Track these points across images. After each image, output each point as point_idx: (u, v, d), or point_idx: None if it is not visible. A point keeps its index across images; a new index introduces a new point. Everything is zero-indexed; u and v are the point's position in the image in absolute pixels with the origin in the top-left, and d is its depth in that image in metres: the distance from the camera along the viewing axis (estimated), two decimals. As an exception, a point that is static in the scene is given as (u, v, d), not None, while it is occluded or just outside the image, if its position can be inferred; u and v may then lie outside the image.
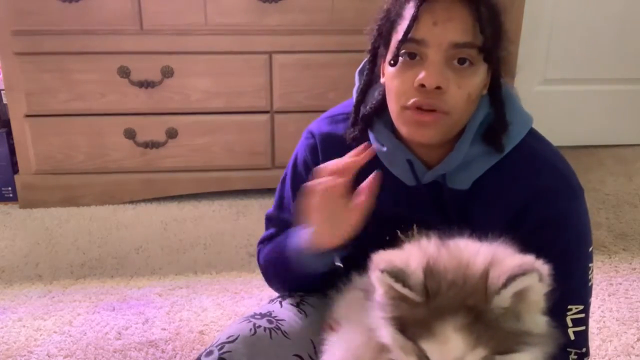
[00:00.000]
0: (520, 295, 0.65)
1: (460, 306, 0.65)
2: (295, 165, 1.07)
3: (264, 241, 1.13)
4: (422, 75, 0.84)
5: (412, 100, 0.86)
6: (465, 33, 0.83)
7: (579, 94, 2.69)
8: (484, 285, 0.66)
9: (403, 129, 0.90)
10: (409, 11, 0.85)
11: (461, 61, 0.85)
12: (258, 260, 1.15)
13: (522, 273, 0.64)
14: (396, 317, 0.69)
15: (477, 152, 0.92)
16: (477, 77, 0.87)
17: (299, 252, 0.95)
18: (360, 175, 0.98)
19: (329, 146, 1.00)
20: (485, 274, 0.66)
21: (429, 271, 0.67)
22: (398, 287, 0.67)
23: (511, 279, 0.64)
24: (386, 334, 0.70)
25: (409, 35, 0.84)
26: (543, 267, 0.66)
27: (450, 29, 0.83)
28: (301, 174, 1.05)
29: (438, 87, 0.84)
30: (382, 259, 0.70)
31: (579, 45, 2.60)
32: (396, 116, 0.91)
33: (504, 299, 0.65)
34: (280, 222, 1.10)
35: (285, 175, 1.10)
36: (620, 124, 2.74)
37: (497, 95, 0.92)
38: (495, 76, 0.90)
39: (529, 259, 0.67)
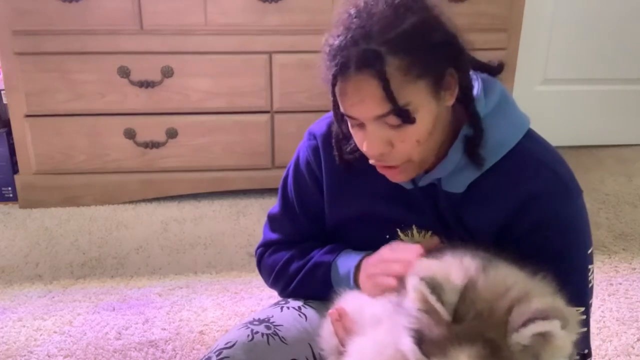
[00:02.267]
0: (542, 338, 0.64)
1: (479, 337, 0.65)
2: (297, 165, 1.07)
3: (267, 245, 1.13)
4: (365, 144, 0.87)
5: (371, 160, 0.91)
6: (380, 106, 0.82)
7: (579, 94, 2.69)
8: (506, 319, 0.65)
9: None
10: (331, 83, 0.85)
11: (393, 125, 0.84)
12: (259, 264, 1.14)
13: (543, 317, 0.63)
14: (417, 330, 0.68)
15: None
16: (419, 123, 0.85)
17: (344, 281, 0.99)
18: (360, 178, 1.00)
19: (330, 147, 1.01)
20: (510, 309, 0.66)
21: (465, 295, 0.67)
22: (432, 299, 0.66)
23: (530, 320, 0.63)
24: (406, 343, 0.70)
25: (341, 110, 0.87)
26: (572, 315, 0.65)
27: (365, 107, 0.83)
28: (303, 175, 1.06)
29: (381, 153, 0.87)
30: (424, 267, 0.69)
31: (579, 45, 2.60)
32: None
33: (522, 338, 0.64)
34: (286, 228, 1.10)
35: (287, 175, 1.10)
36: (620, 124, 2.75)
37: (468, 107, 0.89)
38: (462, 82, 0.87)
39: (558, 305, 0.66)
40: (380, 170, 0.92)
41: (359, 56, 0.80)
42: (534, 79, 2.60)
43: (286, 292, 1.09)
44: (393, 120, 0.84)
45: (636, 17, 2.59)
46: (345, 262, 1.00)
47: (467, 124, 0.91)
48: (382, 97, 0.81)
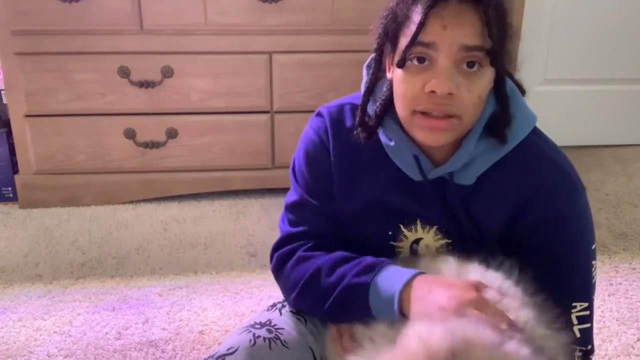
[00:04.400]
0: None
1: None
2: (309, 143, 1.02)
3: (295, 238, 1.00)
4: (432, 82, 0.84)
5: (422, 107, 0.86)
6: (475, 36, 0.83)
7: (579, 94, 2.69)
8: None
9: (414, 133, 0.90)
10: (416, 15, 0.84)
11: (470, 65, 0.84)
12: (283, 267, 1.00)
13: None
14: None
15: (482, 149, 0.93)
16: (486, 79, 0.87)
17: (386, 306, 0.86)
18: (367, 168, 0.99)
19: (338, 133, 1.00)
20: None
21: None
22: None
23: None
24: None
25: (418, 39, 0.84)
26: None
27: (460, 33, 0.83)
28: (317, 152, 1.01)
29: (449, 93, 0.84)
30: None
31: (579, 45, 2.60)
32: (405, 120, 0.90)
33: None
34: (312, 214, 1.00)
35: (295, 159, 1.06)
36: (620, 124, 2.75)
37: (501, 89, 0.92)
38: (499, 71, 0.90)
39: None
40: (424, 123, 0.87)
41: None
42: (534, 79, 2.60)
43: (316, 313, 0.98)
44: (475, 59, 0.84)
45: (636, 17, 2.59)
46: (389, 283, 0.87)
47: (493, 109, 0.93)
48: (479, 30, 0.83)
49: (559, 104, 2.67)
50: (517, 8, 2.24)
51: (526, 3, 2.28)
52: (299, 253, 0.98)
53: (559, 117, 2.65)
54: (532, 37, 2.51)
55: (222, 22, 2.08)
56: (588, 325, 0.95)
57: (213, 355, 0.91)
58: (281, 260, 1.00)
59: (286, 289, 1.00)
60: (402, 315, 0.84)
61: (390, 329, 0.82)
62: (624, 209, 2.20)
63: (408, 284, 0.84)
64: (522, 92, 0.99)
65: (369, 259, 0.92)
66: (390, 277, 0.87)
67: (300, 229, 1.00)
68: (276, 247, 1.02)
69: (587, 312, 0.94)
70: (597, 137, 2.75)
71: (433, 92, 0.84)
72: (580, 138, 2.71)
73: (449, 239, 0.98)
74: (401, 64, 0.86)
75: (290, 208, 1.03)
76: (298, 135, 1.07)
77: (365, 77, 0.99)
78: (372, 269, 0.89)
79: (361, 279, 0.89)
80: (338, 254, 0.96)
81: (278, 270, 1.01)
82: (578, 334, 0.93)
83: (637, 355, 1.45)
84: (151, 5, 2.04)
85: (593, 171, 2.49)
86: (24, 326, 1.56)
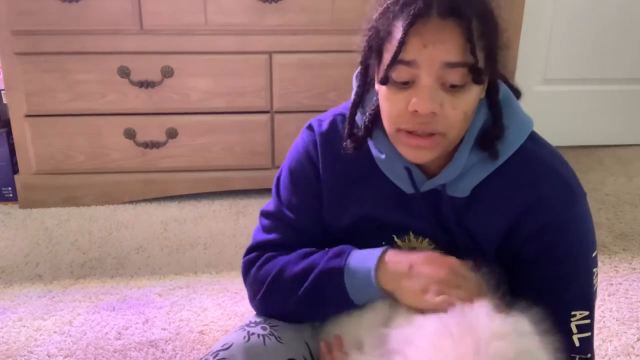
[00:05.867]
0: None
1: None
2: (296, 156, 1.03)
3: (264, 246, 1.03)
4: (414, 101, 0.81)
5: (406, 126, 0.84)
6: (457, 52, 0.80)
7: (579, 94, 2.69)
8: None
9: (399, 149, 0.89)
10: (397, 32, 0.82)
11: (453, 86, 0.82)
12: (249, 270, 1.03)
13: None
14: None
15: (475, 160, 0.90)
16: (473, 94, 0.84)
17: (364, 285, 0.90)
18: (359, 182, 0.98)
19: (327, 148, 0.99)
20: None
21: None
22: None
23: None
24: None
25: (399, 57, 0.81)
26: None
27: (441, 50, 0.80)
28: (303, 166, 1.02)
29: (432, 113, 0.82)
30: None
31: (579, 45, 2.60)
32: (391, 136, 0.89)
33: None
34: (285, 226, 1.02)
35: (281, 170, 1.06)
36: (620, 124, 2.75)
37: (494, 99, 0.90)
38: (492, 79, 0.88)
39: None
40: (408, 141, 0.85)
41: (446, 3, 0.79)
42: (533, 79, 2.60)
43: (286, 308, 0.98)
44: (458, 75, 0.81)
45: (636, 17, 2.59)
46: (362, 262, 0.91)
47: (486, 118, 0.90)
48: (462, 46, 0.80)
49: (559, 104, 2.67)
50: (517, 8, 2.24)
51: (526, 3, 2.28)
52: (266, 255, 1.01)
53: (559, 117, 2.65)
54: (532, 37, 2.51)
55: (222, 22, 2.08)
56: (588, 334, 0.93)
57: (209, 353, 0.92)
58: (249, 265, 1.03)
59: (253, 290, 1.03)
60: (381, 291, 0.89)
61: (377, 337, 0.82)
62: (624, 209, 2.20)
63: (381, 261, 0.89)
64: (518, 95, 0.95)
65: (334, 248, 0.95)
66: (361, 258, 0.91)
67: (271, 236, 1.02)
68: (245, 254, 1.05)
69: (588, 321, 0.93)
70: (597, 137, 2.75)
71: (416, 111, 0.82)
72: (580, 138, 2.71)
73: (442, 250, 0.96)
74: (384, 82, 0.84)
75: (265, 214, 1.06)
76: (298, 135, 1.07)
77: (355, 88, 0.97)
78: (342, 254, 0.93)
79: (333, 263, 0.92)
80: (300, 250, 0.98)
81: (245, 275, 1.04)
82: (577, 343, 0.92)
83: (637, 355, 1.45)
84: (151, 5, 2.04)
85: (593, 171, 2.49)
86: (24, 326, 1.56)
